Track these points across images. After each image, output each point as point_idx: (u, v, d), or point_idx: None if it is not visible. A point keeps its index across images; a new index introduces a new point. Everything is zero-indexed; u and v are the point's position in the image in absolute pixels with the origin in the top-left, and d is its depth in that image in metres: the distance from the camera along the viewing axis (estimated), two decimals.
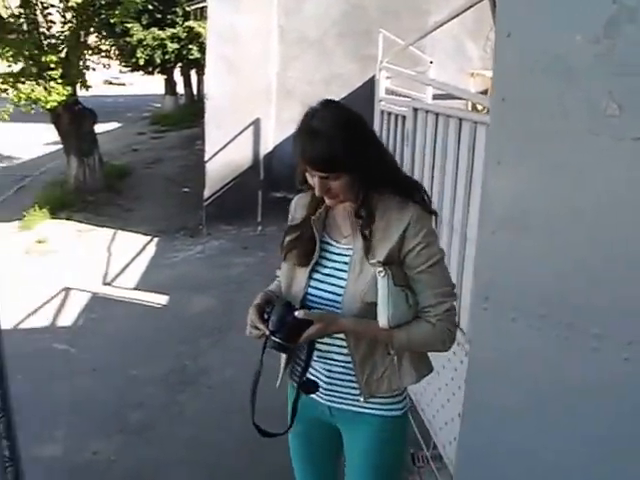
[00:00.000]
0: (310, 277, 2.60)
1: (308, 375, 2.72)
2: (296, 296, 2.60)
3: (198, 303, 8.21)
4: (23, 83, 12.44)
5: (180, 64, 26.67)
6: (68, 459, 5.44)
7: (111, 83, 44.78)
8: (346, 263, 2.54)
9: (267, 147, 11.22)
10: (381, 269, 2.40)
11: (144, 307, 8.27)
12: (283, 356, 2.79)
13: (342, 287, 2.53)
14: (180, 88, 31.09)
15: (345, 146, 2.33)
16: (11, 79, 12.55)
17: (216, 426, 5.75)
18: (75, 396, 6.32)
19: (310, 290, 2.59)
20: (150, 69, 25.55)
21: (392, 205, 2.48)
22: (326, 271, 2.59)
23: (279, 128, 10.83)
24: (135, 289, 8.80)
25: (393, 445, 2.75)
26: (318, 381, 2.71)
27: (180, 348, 7.13)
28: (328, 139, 2.32)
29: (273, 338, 2.50)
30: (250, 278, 8.79)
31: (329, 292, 2.56)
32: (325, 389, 2.70)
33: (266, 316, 2.53)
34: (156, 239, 10.87)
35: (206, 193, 11.31)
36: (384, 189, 2.49)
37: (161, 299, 8.38)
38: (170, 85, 30.06)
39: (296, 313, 2.46)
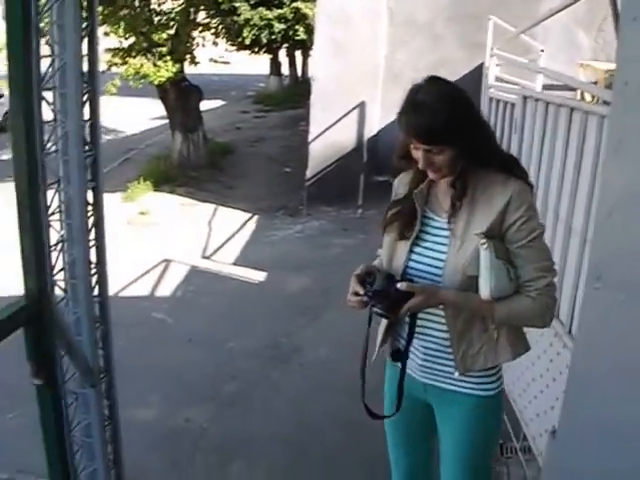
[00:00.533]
0: (411, 250, 2.63)
1: (399, 345, 2.77)
2: (397, 269, 2.63)
3: (295, 282, 8.28)
4: (133, 58, 12.70)
5: (286, 45, 26.73)
6: (162, 423, 5.62)
7: (216, 61, 45.29)
8: (447, 237, 2.57)
9: (372, 130, 11.17)
10: (484, 241, 2.42)
11: (242, 283, 8.38)
12: (381, 331, 2.83)
13: (443, 260, 2.55)
14: (285, 69, 31.23)
15: (449, 119, 2.37)
16: (121, 54, 12.82)
17: (309, 404, 5.81)
18: (170, 365, 6.48)
19: (411, 263, 2.62)
20: (256, 49, 25.67)
21: (494, 179, 2.50)
22: (427, 245, 2.62)
23: (385, 112, 10.74)
24: (234, 264, 8.92)
25: (487, 424, 2.77)
26: (415, 357, 2.74)
27: (275, 325, 7.21)
28: (432, 111, 2.36)
29: (374, 309, 2.53)
30: (349, 259, 8.78)
31: (430, 265, 2.58)
32: (420, 365, 2.73)
33: (367, 286, 2.54)
34: (256, 217, 10.99)
35: (308, 173, 11.34)
36: (486, 164, 2.52)
37: (259, 276, 8.48)
38: (275, 65, 30.23)
39: (398, 285, 2.48)
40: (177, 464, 5.16)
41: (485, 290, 2.44)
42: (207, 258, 9.24)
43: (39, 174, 2.90)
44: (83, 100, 3.58)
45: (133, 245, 9.55)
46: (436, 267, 2.56)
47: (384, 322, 2.78)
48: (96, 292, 3.88)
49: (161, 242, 9.71)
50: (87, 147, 3.69)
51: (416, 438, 2.99)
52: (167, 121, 14.73)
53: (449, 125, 2.36)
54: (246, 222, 10.74)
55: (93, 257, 3.79)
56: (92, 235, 3.78)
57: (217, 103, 25.50)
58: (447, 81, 2.52)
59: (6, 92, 2.73)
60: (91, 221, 3.76)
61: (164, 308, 7.69)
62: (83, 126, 3.61)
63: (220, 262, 9.04)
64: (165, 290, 8.24)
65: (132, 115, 21.55)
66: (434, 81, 2.48)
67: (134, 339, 6.48)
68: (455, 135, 2.39)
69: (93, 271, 3.80)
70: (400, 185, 2.77)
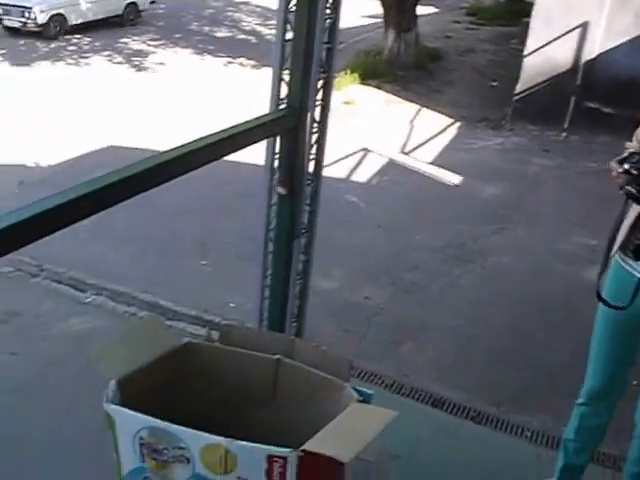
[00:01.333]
0: None
1: None
2: None
3: (488, 190, 8.26)
4: None
5: None
6: (342, 296, 5.90)
7: None
8: None
9: (591, 53, 10.67)
10: None
11: (435, 182, 8.45)
12: (625, 227, 2.74)
13: None
14: None
15: None
16: None
17: (484, 305, 5.90)
18: (357, 245, 6.71)
19: None
20: None
21: None
22: None
23: (607, 37, 10.29)
24: (430, 164, 8.96)
25: None
26: None
27: (462, 227, 7.27)
28: None
29: (629, 188, 2.49)
30: (545, 180, 8.70)
31: None
32: None
33: (627, 166, 2.49)
34: (458, 124, 10.93)
35: (518, 87, 11.05)
36: None
37: (453, 178, 8.50)
38: None
39: None
40: (351, 335, 5.41)
41: None
42: (405, 154, 9.31)
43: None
44: None
45: (334, 131, 9.71)
46: None
47: (630, 217, 2.70)
48: (314, 150, 4.06)
49: (362, 132, 9.85)
50: (328, 10, 3.82)
51: (630, 339, 3.00)
52: (377, 21, 14.68)
53: None
54: (447, 127, 10.71)
55: (317, 116, 3.96)
56: (319, 95, 3.93)
57: (430, 10, 25.12)
58: None
59: None
60: (321, 82, 3.90)
61: (358, 193, 7.90)
62: None
63: (417, 159, 9.10)
64: (361, 177, 8.44)
65: (342, 12, 21.56)
66: None
67: (327, 216, 6.65)
68: None
69: (314, 129, 3.97)
70: None
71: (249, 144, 3.00)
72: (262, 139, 3.07)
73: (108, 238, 6.57)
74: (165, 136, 8.69)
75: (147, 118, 9.84)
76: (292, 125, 3.21)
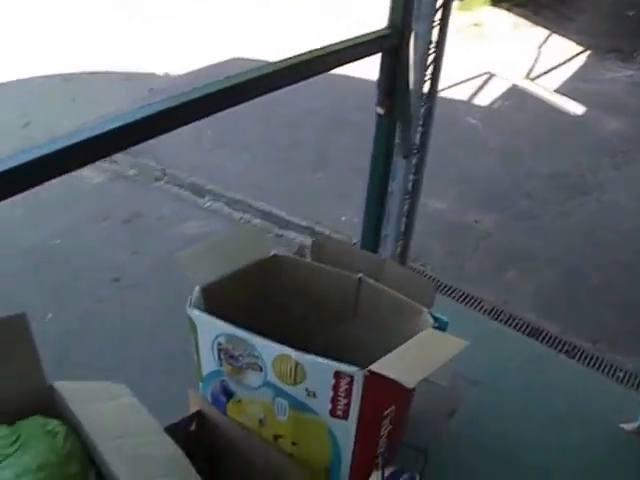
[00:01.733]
0: None
1: None
2: None
3: (613, 123, 8.05)
4: None
5: None
6: (451, 218, 5.99)
7: None
8: None
9: None
10: None
11: (558, 111, 8.29)
12: None
13: None
14: None
15: None
16: None
17: (595, 239, 5.89)
18: (472, 168, 6.80)
19: None
20: None
21: None
22: None
23: None
24: (554, 92, 8.79)
25: None
26: None
27: (581, 158, 7.17)
28: None
29: None
30: None
31: None
32: None
33: None
34: (587, 53, 10.60)
35: None
36: None
37: (576, 109, 8.33)
38: None
39: None
40: (456, 256, 5.51)
41: None
42: (530, 80, 9.14)
43: None
44: None
45: (458, 52, 9.57)
46: None
47: None
48: (429, 71, 4.08)
49: (487, 55, 9.69)
50: None
51: None
52: None
53: None
54: (576, 55, 10.39)
55: (434, 36, 3.97)
56: (438, 15, 3.93)
57: None
58: None
59: None
60: (440, 2, 3.89)
61: (478, 116, 7.85)
62: None
63: (542, 87, 8.93)
64: (482, 100, 8.36)
65: None
66: None
67: (445, 137, 6.62)
68: None
69: (431, 50, 3.99)
70: None
71: (351, 61, 3.06)
72: (363, 57, 3.12)
73: (228, 147, 6.78)
74: (288, 49, 8.80)
75: (272, 30, 9.92)
76: (393, 44, 3.25)
